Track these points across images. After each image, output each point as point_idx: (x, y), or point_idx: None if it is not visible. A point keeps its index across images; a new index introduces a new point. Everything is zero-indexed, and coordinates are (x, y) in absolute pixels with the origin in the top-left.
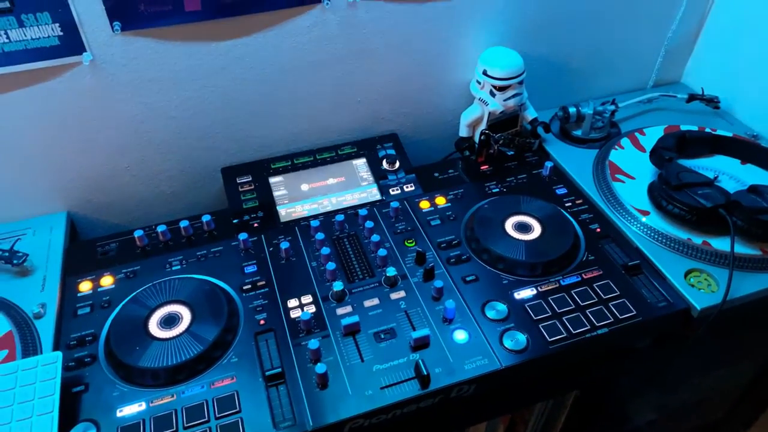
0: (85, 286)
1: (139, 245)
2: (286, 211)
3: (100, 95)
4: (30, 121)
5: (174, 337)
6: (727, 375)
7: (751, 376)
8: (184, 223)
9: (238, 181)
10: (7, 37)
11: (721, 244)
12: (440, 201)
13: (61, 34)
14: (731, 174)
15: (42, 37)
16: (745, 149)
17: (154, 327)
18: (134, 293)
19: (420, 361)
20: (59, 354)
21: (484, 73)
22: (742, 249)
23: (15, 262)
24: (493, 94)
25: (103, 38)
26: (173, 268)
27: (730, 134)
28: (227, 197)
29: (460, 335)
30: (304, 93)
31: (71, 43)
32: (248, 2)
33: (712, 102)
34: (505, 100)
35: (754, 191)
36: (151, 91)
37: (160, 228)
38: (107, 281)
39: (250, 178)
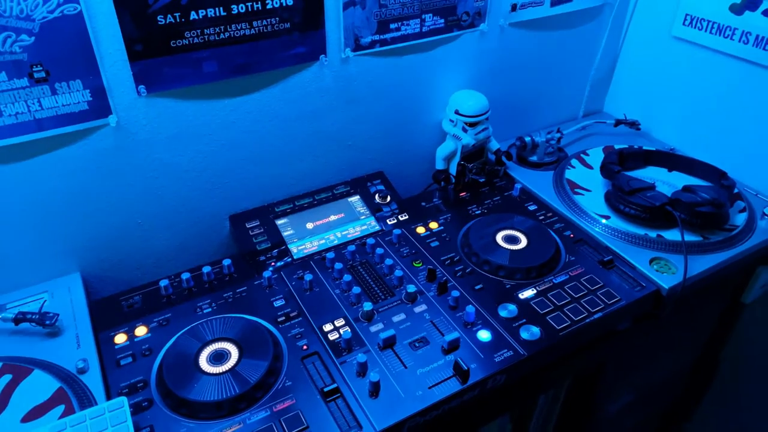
0: (121, 338)
1: (165, 294)
2: (298, 248)
3: (121, 154)
4: (50, 185)
5: (227, 371)
6: (683, 350)
7: (699, 354)
8: (206, 269)
9: (248, 226)
10: (40, 105)
11: (671, 235)
12: (433, 225)
13: (91, 99)
14: (663, 180)
15: (72, 103)
16: (669, 160)
17: (204, 365)
18: (175, 337)
19: (458, 359)
20: (124, 399)
21: (456, 112)
22: (687, 237)
23: (47, 322)
24: (465, 130)
25: (129, 100)
26: (204, 311)
27: (654, 149)
28: (237, 242)
29: (484, 335)
30: (302, 140)
31: (99, 106)
32: (259, 61)
33: (635, 125)
34: (476, 135)
35: (688, 190)
36: (168, 147)
37: (185, 275)
38: (141, 331)
39: (258, 222)
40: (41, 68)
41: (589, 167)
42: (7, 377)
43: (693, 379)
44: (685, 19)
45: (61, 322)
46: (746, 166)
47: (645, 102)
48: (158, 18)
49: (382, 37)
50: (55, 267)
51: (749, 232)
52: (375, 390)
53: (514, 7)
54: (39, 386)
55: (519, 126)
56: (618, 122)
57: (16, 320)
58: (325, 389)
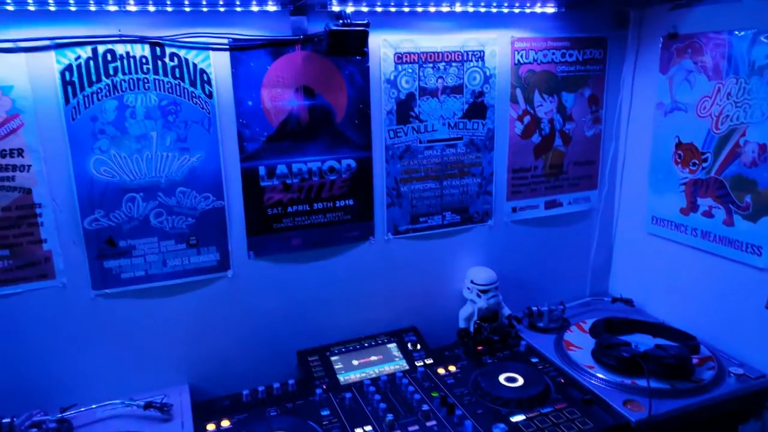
0: (211, 427)
1: (245, 402)
2: (344, 378)
3: (230, 298)
4: (182, 315)
5: None
6: None
7: None
8: (276, 385)
9: (309, 359)
10: (189, 261)
11: (643, 382)
12: (452, 368)
13: (219, 259)
14: (646, 344)
15: (208, 261)
16: (654, 328)
17: None
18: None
19: None
20: None
21: (472, 282)
22: (657, 384)
23: (165, 409)
24: (479, 296)
25: (242, 261)
26: (271, 414)
27: (643, 320)
28: (300, 369)
29: None
30: (355, 296)
31: (223, 263)
32: (328, 240)
33: (629, 302)
34: (487, 300)
35: (659, 348)
36: (263, 294)
37: (260, 388)
38: (225, 423)
39: (317, 357)
40: (195, 238)
41: (585, 332)
42: None
43: None
44: (653, 220)
45: (174, 411)
46: (722, 333)
47: (639, 284)
48: (268, 210)
49: (414, 226)
50: (173, 377)
51: (716, 386)
52: None
53: (514, 210)
54: None
55: (533, 299)
56: (614, 300)
57: (145, 406)
58: None
